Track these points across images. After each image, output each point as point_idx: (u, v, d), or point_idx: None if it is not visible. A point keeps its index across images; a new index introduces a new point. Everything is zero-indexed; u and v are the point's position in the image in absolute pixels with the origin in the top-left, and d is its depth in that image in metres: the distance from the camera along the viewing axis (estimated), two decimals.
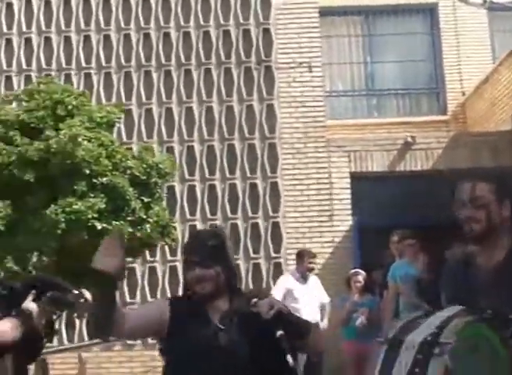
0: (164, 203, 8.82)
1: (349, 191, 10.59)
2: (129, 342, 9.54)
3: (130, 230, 7.50)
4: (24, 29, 11.09)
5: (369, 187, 10.67)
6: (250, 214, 10.54)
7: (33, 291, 3.45)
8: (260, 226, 10.51)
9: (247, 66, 11.02)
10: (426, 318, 2.62)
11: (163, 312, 3.01)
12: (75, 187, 7.31)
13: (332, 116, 11.49)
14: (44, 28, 11.10)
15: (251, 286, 10.22)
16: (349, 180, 10.63)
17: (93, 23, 11.11)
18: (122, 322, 2.89)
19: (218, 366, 2.87)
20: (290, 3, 11.26)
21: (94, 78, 11.00)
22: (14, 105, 8.60)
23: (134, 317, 3.02)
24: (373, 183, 10.70)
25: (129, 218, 7.54)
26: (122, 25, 11.12)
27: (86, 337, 9.57)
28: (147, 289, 10.29)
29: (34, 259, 7.93)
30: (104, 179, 7.46)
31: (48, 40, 11.09)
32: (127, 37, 11.09)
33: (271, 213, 10.52)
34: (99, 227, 7.23)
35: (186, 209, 10.56)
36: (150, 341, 8.04)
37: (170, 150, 10.67)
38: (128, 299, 10.06)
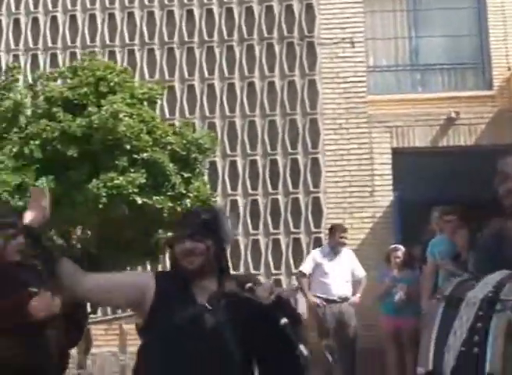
0: (205, 178, 8.93)
1: (390, 166, 10.54)
2: None
3: (170, 204, 7.62)
4: (69, 7, 11.25)
5: (411, 162, 10.61)
6: (290, 189, 10.59)
7: None
8: (300, 201, 10.56)
9: (290, 42, 11.01)
10: (477, 280, 2.70)
11: (146, 285, 2.84)
12: (116, 163, 7.45)
13: (376, 91, 11.40)
14: (88, 5, 11.24)
15: (292, 261, 10.31)
16: (390, 156, 10.58)
17: (136, 0, 11.21)
18: (79, 279, 2.78)
19: (203, 348, 2.70)
20: None
21: (138, 55, 11.12)
22: (59, 82, 8.75)
23: (107, 280, 2.91)
24: (415, 159, 10.63)
25: (169, 193, 7.66)
26: (166, 1, 11.20)
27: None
28: None
29: (79, 233, 8.15)
30: (145, 154, 7.57)
31: (92, 17, 11.23)
32: (170, 13, 11.17)
33: (311, 188, 10.55)
34: (139, 202, 7.37)
35: (228, 184, 10.66)
36: None
37: (212, 126, 10.76)
38: None
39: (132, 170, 7.44)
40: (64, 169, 7.49)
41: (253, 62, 10.97)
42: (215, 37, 11.07)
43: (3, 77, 8.78)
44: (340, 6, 11.15)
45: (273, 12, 11.09)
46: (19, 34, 11.26)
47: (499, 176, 2.82)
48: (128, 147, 7.50)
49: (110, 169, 7.39)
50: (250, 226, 10.54)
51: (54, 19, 11.26)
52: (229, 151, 10.74)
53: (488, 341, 2.52)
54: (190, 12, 11.16)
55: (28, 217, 3.00)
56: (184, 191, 7.87)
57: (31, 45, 11.22)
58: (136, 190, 7.33)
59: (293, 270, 10.20)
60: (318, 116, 10.75)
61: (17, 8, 11.31)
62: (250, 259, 10.47)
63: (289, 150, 10.69)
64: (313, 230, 10.44)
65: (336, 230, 8.61)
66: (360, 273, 8.61)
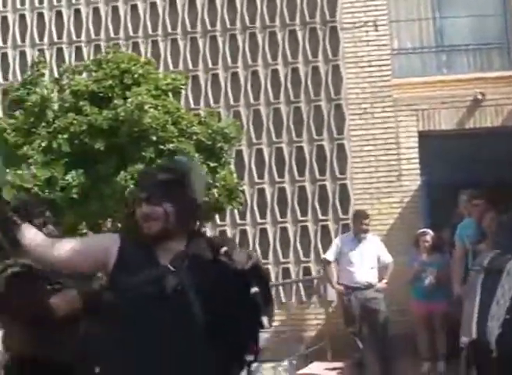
0: (231, 167, 8.96)
1: (417, 150, 10.48)
2: None
3: None
4: None
5: (438, 145, 10.54)
6: (317, 176, 10.58)
7: None
8: (327, 188, 10.55)
9: (312, 27, 10.95)
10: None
11: (112, 246, 2.74)
12: (143, 154, 7.50)
13: (401, 74, 11.31)
14: None
15: (320, 248, 10.32)
16: (417, 139, 10.52)
17: None
18: (46, 246, 2.73)
19: (165, 309, 2.58)
20: None
21: (161, 45, 11.14)
22: (84, 75, 8.81)
23: (77, 244, 2.83)
24: (442, 142, 10.56)
25: None
26: None
27: None
28: None
29: (109, 225, 8.23)
30: (171, 145, 7.62)
31: (115, 9, 11.27)
32: (192, 2, 11.16)
33: (338, 175, 10.53)
34: None
35: (254, 173, 10.68)
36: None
37: (237, 114, 10.77)
38: None
39: (158, 161, 7.47)
40: (92, 163, 7.57)
41: (276, 49, 10.95)
42: (237, 24, 11.06)
43: (29, 72, 8.87)
44: None
45: None
46: (43, 29, 11.34)
47: None
48: (154, 138, 7.55)
49: (137, 161, 7.45)
50: (278, 215, 10.56)
51: (77, 12, 11.32)
52: (254, 140, 10.75)
53: None
54: (211, 1, 11.14)
55: None
56: (211, 181, 7.90)
57: (56, 39, 11.29)
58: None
59: (323, 257, 10.22)
60: (342, 101, 10.71)
61: (41, 2, 11.38)
62: (278, 247, 10.50)
63: (315, 136, 10.67)
64: (341, 216, 10.42)
65: (358, 217, 8.63)
66: (387, 258, 8.61)
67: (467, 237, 7.48)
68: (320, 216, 10.49)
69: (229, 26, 11.05)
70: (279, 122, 10.77)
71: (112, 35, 11.18)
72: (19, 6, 11.40)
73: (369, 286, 8.30)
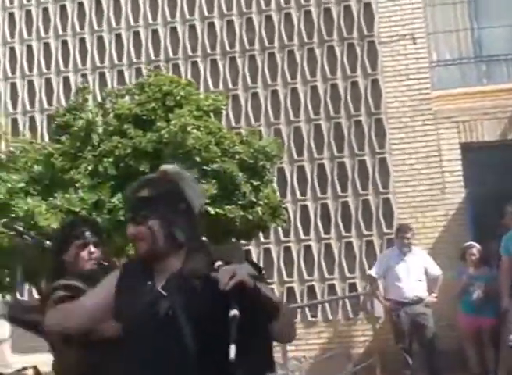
0: (274, 185, 9.00)
1: (460, 162, 10.42)
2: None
3: (242, 213, 7.71)
4: (132, 23, 11.51)
5: (480, 157, 10.47)
6: (360, 191, 10.58)
7: None
8: (371, 202, 10.54)
9: (350, 43, 11.00)
10: None
11: (113, 283, 2.63)
12: None
13: (440, 86, 11.28)
14: (151, 21, 11.47)
15: (366, 265, 10.29)
16: (459, 152, 10.46)
17: (197, 12, 11.39)
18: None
19: (158, 336, 2.41)
20: None
21: (201, 66, 11.29)
22: (126, 98, 8.95)
23: (83, 309, 2.70)
24: (484, 153, 10.48)
25: (240, 202, 7.74)
26: (225, 11, 11.33)
27: None
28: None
29: None
30: (215, 165, 7.67)
31: (155, 32, 11.46)
32: (230, 23, 11.30)
33: (381, 189, 10.52)
34: (212, 212, 7.48)
35: (297, 190, 10.72)
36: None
37: (277, 132, 10.84)
38: None
39: (203, 181, 7.54)
40: None
41: (314, 66, 11.01)
42: (276, 43, 11.16)
43: (73, 98, 9.04)
44: (399, 3, 11.09)
45: (331, 14, 11.11)
46: (85, 54, 11.58)
47: None
48: (198, 159, 7.61)
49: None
50: (321, 231, 10.57)
51: (118, 36, 11.54)
52: (296, 157, 10.80)
53: None
54: (249, 20, 11.27)
55: None
56: (254, 199, 7.94)
57: (98, 64, 11.52)
58: (208, 200, 7.44)
59: (368, 273, 10.19)
60: (382, 115, 10.71)
61: (82, 28, 11.63)
62: (323, 264, 10.50)
63: (356, 151, 10.69)
64: (385, 231, 10.39)
65: (401, 231, 8.59)
66: (435, 270, 8.53)
67: None
68: (364, 231, 10.48)
69: (267, 44, 11.15)
70: (320, 138, 10.81)
71: (153, 58, 11.36)
72: (61, 33, 11.66)
73: (418, 300, 8.23)
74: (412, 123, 10.60)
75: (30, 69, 11.69)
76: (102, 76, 11.48)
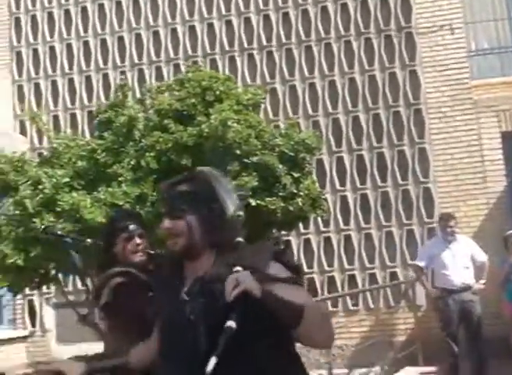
0: (313, 176, 9.05)
1: (501, 151, 10.36)
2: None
3: (283, 204, 7.78)
4: (169, 20, 11.63)
5: None
6: (400, 181, 10.58)
7: None
8: (411, 192, 10.54)
9: (387, 34, 10.99)
10: None
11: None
12: (228, 168, 7.66)
13: (479, 75, 11.21)
14: (187, 17, 11.59)
15: (407, 254, 10.30)
16: (500, 140, 10.39)
17: (233, 8, 11.47)
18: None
19: (181, 342, 2.34)
20: None
21: (238, 60, 11.37)
22: (166, 94, 9.07)
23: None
24: None
25: (280, 193, 7.81)
26: (261, 6, 11.40)
27: None
28: (303, 260, 10.60)
29: None
30: (255, 158, 7.73)
31: (192, 28, 11.57)
32: (266, 17, 11.37)
33: (421, 179, 10.51)
34: (253, 204, 7.56)
35: (336, 181, 10.76)
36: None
37: (316, 124, 10.89)
38: None
39: (244, 174, 7.62)
40: None
41: (352, 58, 11.03)
42: (312, 36, 11.19)
43: (112, 95, 9.19)
44: None
45: (368, 6, 11.11)
46: (124, 51, 11.73)
47: None
48: (238, 152, 7.68)
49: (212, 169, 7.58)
50: (361, 221, 10.60)
51: (156, 33, 11.67)
52: (334, 148, 10.84)
53: None
54: (285, 15, 11.33)
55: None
56: (295, 191, 8.00)
57: (136, 61, 11.67)
58: (249, 193, 7.52)
59: (409, 262, 10.19)
60: (421, 105, 10.69)
61: (120, 26, 11.78)
62: (364, 253, 10.54)
63: (395, 142, 10.68)
64: (426, 220, 10.39)
65: (444, 220, 8.55)
66: (481, 257, 8.42)
67: None
68: (404, 221, 10.48)
69: (304, 38, 11.19)
70: (359, 129, 10.83)
71: (190, 53, 11.47)
72: (100, 31, 11.83)
73: (466, 288, 8.16)
74: (452, 113, 10.56)
75: (70, 67, 11.89)
76: (141, 72, 11.63)
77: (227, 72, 10.64)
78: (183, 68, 10.80)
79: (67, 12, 12.05)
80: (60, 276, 8.28)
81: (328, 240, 10.67)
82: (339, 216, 10.68)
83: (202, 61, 11.27)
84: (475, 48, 11.61)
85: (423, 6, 10.94)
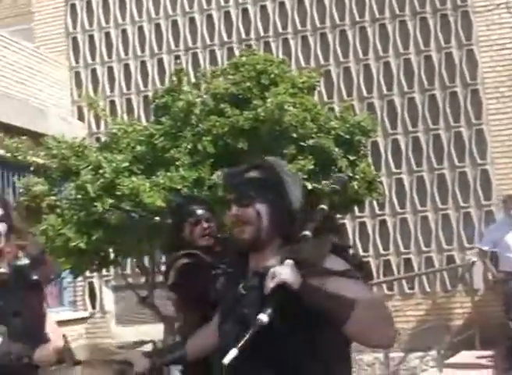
0: (369, 159, 9.01)
1: None
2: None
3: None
4: (222, 3, 11.66)
5: None
6: (456, 163, 10.47)
7: None
8: (468, 174, 10.42)
9: (443, 13, 10.83)
10: None
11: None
12: (284, 151, 7.68)
13: None
14: (240, 0, 11.60)
15: (464, 237, 10.20)
16: None
17: None
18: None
19: (235, 341, 2.16)
20: None
21: (292, 43, 11.35)
22: (221, 78, 9.12)
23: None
24: None
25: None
26: None
27: None
28: (358, 243, 10.60)
29: None
30: (311, 141, 7.74)
31: (245, 11, 11.58)
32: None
33: (478, 160, 10.38)
34: (309, 187, 7.58)
35: (391, 163, 10.70)
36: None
37: (370, 106, 10.83)
38: None
39: (300, 157, 7.64)
40: (236, 162, 7.76)
41: (407, 38, 10.91)
42: (366, 16, 11.10)
43: (167, 80, 9.26)
44: None
45: None
46: (178, 35, 11.81)
47: None
48: (294, 135, 7.70)
49: (279, 159, 7.62)
50: (417, 204, 10.53)
51: (209, 17, 11.71)
52: (390, 130, 10.77)
53: None
54: None
55: None
56: (351, 174, 7.99)
57: (190, 45, 11.74)
58: (305, 176, 7.54)
59: (466, 245, 10.10)
60: (479, 86, 10.54)
61: (173, 10, 11.85)
62: (420, 237, 10.48)
63: (452, 123, 10.56)
64: (483, 202, 10.28)
65: (508, 202, 8.41)
66: None
67: None
68: (461, 203, 10.38)
69: (358, 18, 11.10)
70: (414, 111, 10.73)
71: (244, 36, 11.49)
72: (153, 16, 11.92)
73: None
74: (510, 93, 10.39)
75: (126, 52, 12.02)
76: (195, 56, 11.70)
77: (281, 55, 10.64)
78: (236, 51, 10.83)
79: None
80: (119, 258, 8.44)
81: (383, 223, 10.63)
82: (394, 199, 10.63)
83: (256, 44, 11.28)
84: None
85: None
